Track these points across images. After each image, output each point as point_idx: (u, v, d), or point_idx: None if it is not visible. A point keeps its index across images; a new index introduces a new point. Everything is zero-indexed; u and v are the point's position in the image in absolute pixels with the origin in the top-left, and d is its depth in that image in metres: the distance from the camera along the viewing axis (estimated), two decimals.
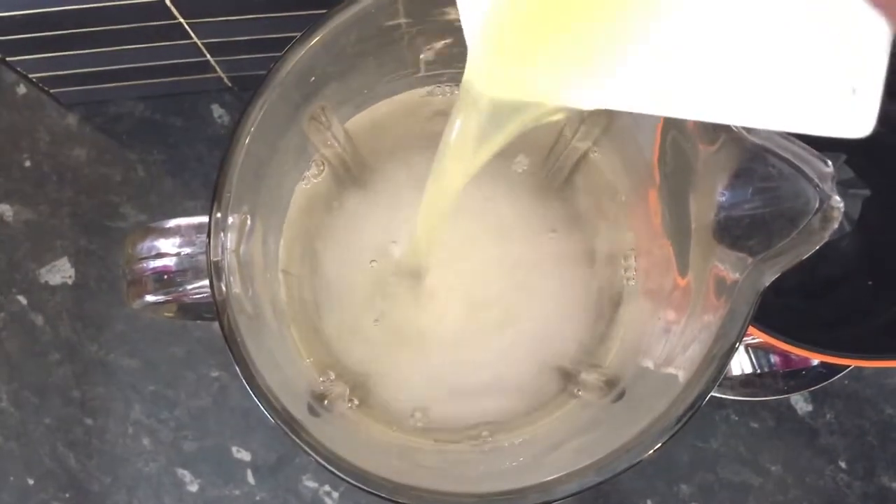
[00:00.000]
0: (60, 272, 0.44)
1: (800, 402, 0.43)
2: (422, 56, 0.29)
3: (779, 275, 0.21)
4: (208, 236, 0.24)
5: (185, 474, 0.43)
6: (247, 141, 0.24)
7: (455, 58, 0.29)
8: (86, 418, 0.43)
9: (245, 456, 0.43)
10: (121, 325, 0.43)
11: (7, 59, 0.39)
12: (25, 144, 0.44)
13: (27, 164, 0.44)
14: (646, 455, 0.22)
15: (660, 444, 0.21)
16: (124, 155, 0.44)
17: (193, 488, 0.43)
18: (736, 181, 0.23)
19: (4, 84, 0.45)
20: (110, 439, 0.43)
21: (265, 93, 0.24)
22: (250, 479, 0.43)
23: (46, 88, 0.43)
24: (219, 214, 0.24)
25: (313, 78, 0.26)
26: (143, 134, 0.45)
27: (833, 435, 0.43)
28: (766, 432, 0.43)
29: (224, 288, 0.24)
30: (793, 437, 0.43)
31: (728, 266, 0.22)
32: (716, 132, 0.22)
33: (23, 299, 0.44)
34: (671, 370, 0.23)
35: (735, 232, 0.23)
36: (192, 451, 0.43)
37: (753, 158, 0.21)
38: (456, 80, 0.30)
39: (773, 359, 0.39)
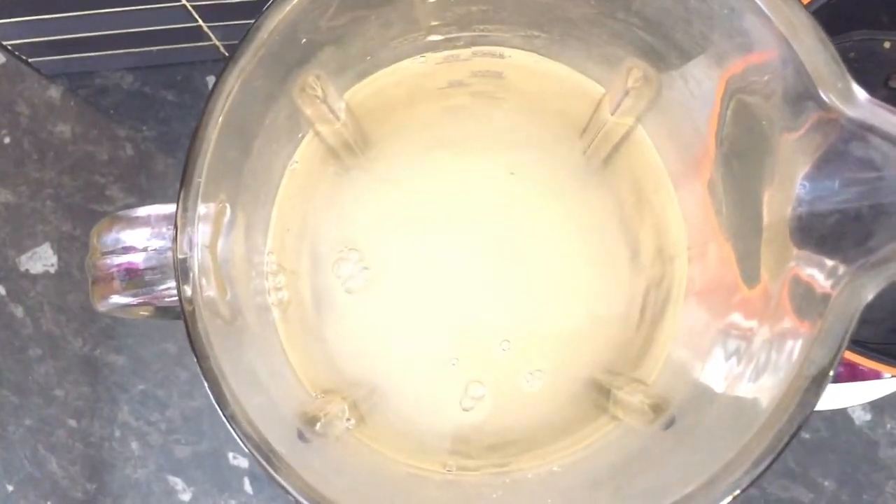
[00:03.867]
0: (42, 260, 0.41)
1: (858, 411, 0.39)
2: (434, 15, 0.24)
3: (883, 287, 0.17)
4: (175, 230, 0.20)
5: (177, 482, 0.40)
6: (221, 116, 0.20)
7: (474, 18, 0.25)
8: (69, 420, 0.40)
9: (242, 463, 0.40)
10: (107, 319, 0.41)
11: None
12: (4, 119, 0.41)
13: (6, 140, 0.41)
14: None
15: (729, 498, 0.17)
16: (112, 131, 0.41)
17: (186, 497, 0.40)
18: (822, 167, 0.18)
19: None
20: (95, 443, 0.40)
21: (243, 57, 0.20)
22: (248, 487, 0.40)
23: (25, 58, 0.39)
24: (187, 204, 0.20)
25: (304, 40, 0.22)
26: (132, 108, 0.41)
27: (894, 447, 0.39)
28: (819, 444, 0.39)
29: (190, 291, 0.20)
30: (849, 449, 0.39)
31: (813, 275, 0.18)
32: (799, 104, 0.18)
33: (1, 289, 0.41)
34: (737, 400, 0.19)
35: (820, 231, 0.18)
36: (184, 457, 0.40)
37: (849, 139, 0.17)
38: (475, 43, 0.26)
39: (838, 369, 0.34)
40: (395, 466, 0.24)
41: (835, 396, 0.35)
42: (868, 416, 0.40)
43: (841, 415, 0.39)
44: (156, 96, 0.41)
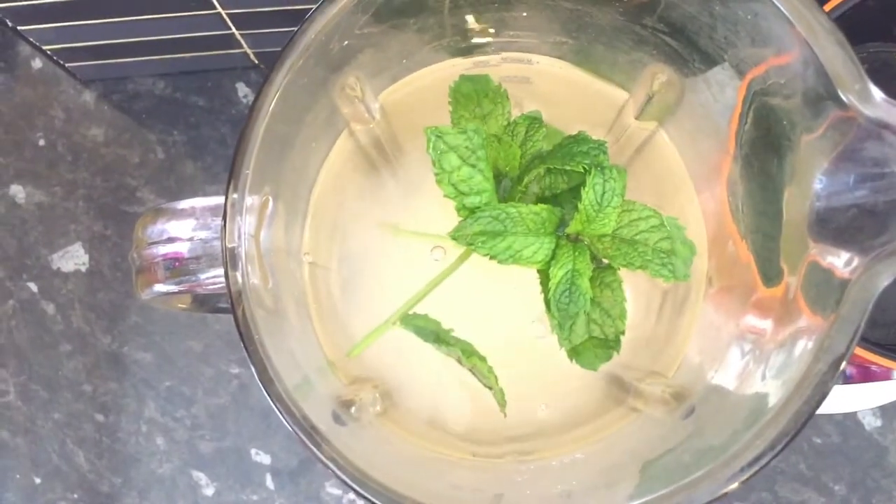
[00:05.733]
0: (73, 258, 0.41)
1: (868, 417, 0.40)
2: (467, 21, 0.25)
3: None
4: (224, 219, 0.21)
5: (201, 477, 0.41)
6: (269, 112, 0.21)
7: (505, 24, 0.26)
8: (97, 414, 0.41)
9: (265, 459, 0.40)
10: (135, 317, 0.41)
11: (19, 27, 0.36)
12: (39, 122, 0.42)
13: (41, 142, 0.42)
14: (720, 493, 0.18)
15: (746, 477, 0.18)
16: (143, 135, 0.42)
17: (209, 492, 0.40)
18: (839, 163, 0.19)
19: (19, 58, 0.43)
20: (122, 437, 0.41)
21: (290, 57, 0.21)
22: (269, 483, 0.40)
23: (62, 62, 0.40)
24: (235, 195, 0.21)
25: (346, 42, 0.23)
26: (163, 113, 0.42)
27: None
28: (831, 448, 0.40)
29: (240, 278, 0.21)
30: (859, 454, 0.40)
31: (830, 266, 0.19)
32: (819, 104, 0.19)
33: (33, 286, 0.41)
34: (756, 389, 0.20)
35: (837, 225, 0.19)
36: (208, 453, 0.41)
37: (866, 137, 0.18)
38: (506, 48, 0.27)
39: (850, 370, 0.35)
40: (425, 451, 0.25)
41: (846, 399, 0.36)
42: (878, 423, 0.40)
43: (852, 420, 0.40)
44: (186, 102, 0.42)
